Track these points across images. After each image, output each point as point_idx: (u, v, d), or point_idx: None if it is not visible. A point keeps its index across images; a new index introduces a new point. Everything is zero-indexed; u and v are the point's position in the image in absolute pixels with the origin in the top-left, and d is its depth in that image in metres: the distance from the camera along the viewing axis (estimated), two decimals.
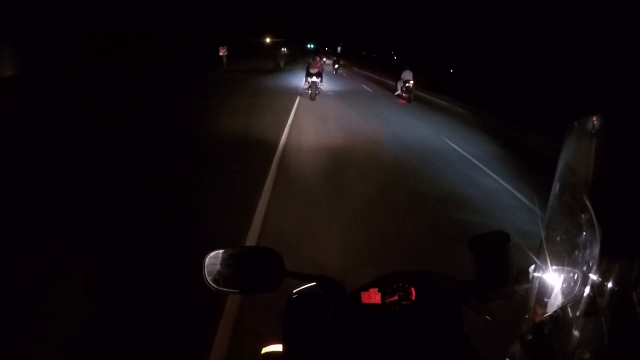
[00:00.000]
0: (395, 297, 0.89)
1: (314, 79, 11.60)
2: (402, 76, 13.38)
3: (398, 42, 33.75)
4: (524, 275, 0.78)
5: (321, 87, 12.24)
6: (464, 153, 6.70)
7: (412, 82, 12.98)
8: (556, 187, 0.57)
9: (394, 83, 15.17)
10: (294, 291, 0.98)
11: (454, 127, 9.42)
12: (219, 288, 0.84)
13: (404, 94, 13.38)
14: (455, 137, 7.87)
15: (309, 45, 52.69)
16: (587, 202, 0.49)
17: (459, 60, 22.10)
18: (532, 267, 0.68)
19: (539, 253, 0.58)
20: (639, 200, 0.46)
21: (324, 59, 31.66)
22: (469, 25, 24.12)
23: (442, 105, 14.09)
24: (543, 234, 0.58)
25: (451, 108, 13.58)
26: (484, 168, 5.80)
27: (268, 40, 43.89)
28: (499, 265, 0.82)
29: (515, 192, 4.84)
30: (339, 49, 61.00)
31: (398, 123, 9.41)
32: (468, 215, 4.00)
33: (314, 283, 0.91)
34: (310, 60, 12.11)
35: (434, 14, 31.04)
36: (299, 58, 34.93)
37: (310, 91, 11.61)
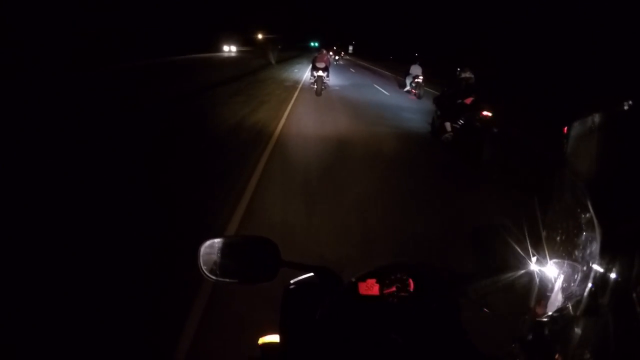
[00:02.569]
0: (393, 289, 0.87)
1: (320, 73, 11.36)
2: (411, 71, 12.95)
3: (420, 45, 32.25)
4: (522, 269, 0.77)
5: (327, 81, 12.14)
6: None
7: (421, 77, 12.63)
8: (557, 185, 0.57)
9: (402, 79, 14.79)
10: (291, 281, 0.98)
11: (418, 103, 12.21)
12: (215, 278, 0.85)
13: (413, 90, 12.99)
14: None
15: (312, 44, 49.03)
16: (587, 201, 0.49)
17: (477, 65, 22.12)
18: (533, 259, 0.68)
19: (539, 252, 0.58)
20: (639, 200, 0.46)
21: (330, 53, 31.00)
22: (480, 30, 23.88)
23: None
24: (543, 233, 0.58)
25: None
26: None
27: (260, 37, 38.72)
28: (498, 257, 0.82)
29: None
30: (350, 48, 56.57)
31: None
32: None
33: (312, 273, 0.91)
34: (317, 54, 11.95)
35: (453, 20, 30.38)
36: (273, 67, 19.96)
37: (315, 86, 11.40)
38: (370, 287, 0.88)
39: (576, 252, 0.51)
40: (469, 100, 6.25)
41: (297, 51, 33.32)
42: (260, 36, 39.10)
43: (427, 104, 10.89)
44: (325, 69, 11.56)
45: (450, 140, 6.54)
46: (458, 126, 6.40)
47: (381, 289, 0.88)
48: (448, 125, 6.58)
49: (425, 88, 12.81)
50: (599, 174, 0.50)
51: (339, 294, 0.90)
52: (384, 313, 0.86)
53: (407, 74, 13.25)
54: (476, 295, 0.87)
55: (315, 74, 11.57)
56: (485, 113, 5.90)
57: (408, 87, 13.28)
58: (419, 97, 12.49)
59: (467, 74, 6.60)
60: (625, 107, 0.48)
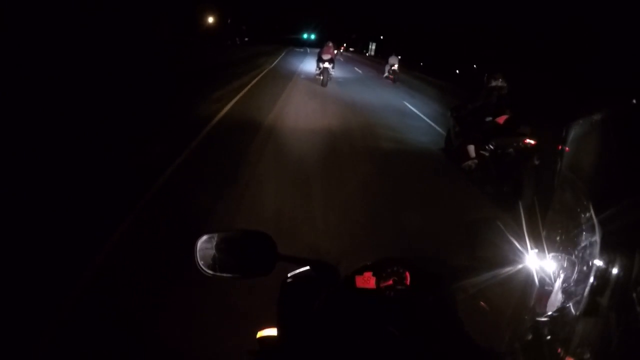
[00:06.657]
0: (390, 282, 0.87)
1: (326, 65, 11.93)
2: (389, 61, 15.09)
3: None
4: (520, 263, 0.77)
5: (332, 73, 12.81)
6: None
7: (396, 65, 14.86)
8: (557, 185, 0.57)
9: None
10: (289, 275, 0.97)
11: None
12: (213, 273, 0.84)
13: (390, 76, 15.14)
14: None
15: (305, 36, 36.64)
16: (588, 201, 0.49)
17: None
18: (532, 252, 0.67)
19: (538, 247, 0.58)
20: (638, 200, 0.46)
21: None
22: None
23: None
24: (543, 232, 0.58)
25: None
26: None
27: (211, 20, 27.56)
28: (495, 251, 0.82)
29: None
30: (372, 47, 41.77)
31: None
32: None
33: (308, 267, 0.91)
34: (323, 47, 12.56)
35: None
36: None
37: (322, 77, 11.98)
38: (367, 281, 0.87)
39: (576, 252, 0.51)
40: (502, 119, 4.62)
41: (274, 45, 27.85)
42: (210, 20, 27.45)
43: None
44: (330, 61, 12.12)
45: (474, 168, 4.89)
46: (487, 153, 4.70)
47: (378, 282, 0.87)
48: (472, 149, 4.89)
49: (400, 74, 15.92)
50: (598, 174, 0.50)
51: (336, 287, 0.89)
52: (381, 306, 0.85)
53: (386, 62, 15.94)
54: (473, 290, 0.87)
55: (321, 65, 12.09)
56: (527, 140, 4.19)
57: (386, 74, 15.92)
58: (394, 81, 15.13)
59: (499, 82, 4.81)
60: (625, 107, 0.48)
